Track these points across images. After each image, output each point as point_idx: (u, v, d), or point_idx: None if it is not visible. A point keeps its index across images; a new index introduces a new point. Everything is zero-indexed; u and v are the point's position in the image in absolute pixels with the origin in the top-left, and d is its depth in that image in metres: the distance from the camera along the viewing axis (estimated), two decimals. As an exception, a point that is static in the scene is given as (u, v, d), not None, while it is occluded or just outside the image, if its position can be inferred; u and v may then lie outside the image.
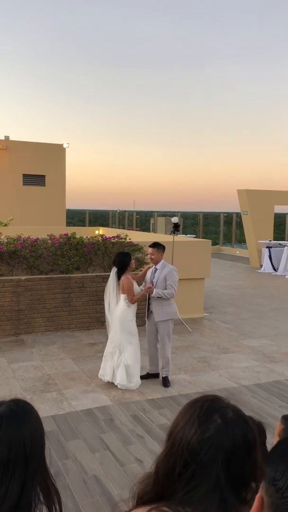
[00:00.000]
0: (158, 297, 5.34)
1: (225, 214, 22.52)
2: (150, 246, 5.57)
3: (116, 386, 5.30)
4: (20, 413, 1.24)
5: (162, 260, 5.54)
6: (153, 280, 5.44)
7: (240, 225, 19.47)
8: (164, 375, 5.50)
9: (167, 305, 5.45)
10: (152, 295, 5.33)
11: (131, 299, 5.28)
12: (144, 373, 5.56)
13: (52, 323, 7.47)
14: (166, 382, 5.45)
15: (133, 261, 5.51)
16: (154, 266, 5.52)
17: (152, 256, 5.49)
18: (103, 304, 7.70)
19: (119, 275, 5.38)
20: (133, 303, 5.33)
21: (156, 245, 5.52)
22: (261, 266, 15.65)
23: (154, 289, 5.31)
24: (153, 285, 5.37)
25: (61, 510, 1.28)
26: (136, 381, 5.36)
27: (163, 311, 5.44)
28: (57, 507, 1.27)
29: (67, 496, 3.31)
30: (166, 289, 5.37)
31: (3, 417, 1.22)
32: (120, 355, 5.31)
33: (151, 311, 5.50)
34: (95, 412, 4.71)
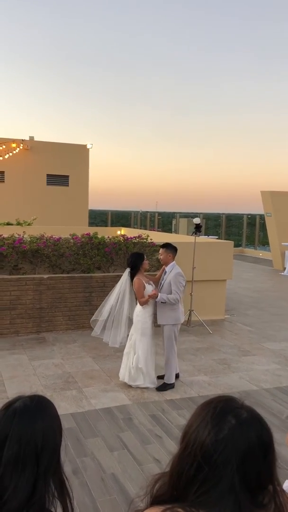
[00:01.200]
0: (162, 302, 5.26)
1: (248, 216, 22.30)
2: (160, 246, 5.61)
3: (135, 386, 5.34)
4: (33, 410, 1.24)
5: (173, 262, 5.42)
6: (161, 283, 5.41)
7: (263, 227, 19.24)
8: (164, 380, 5.40)
9: (171, 309, 5.31)
10: (157, 300, 5.27)
11: (139, 300, 5.27)
12: (162, 373, 5.54)
13: (73, 321, 7.54)
14: (162, 387, 5.31)
15: (146, 262, 5.44)
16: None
17: (160, 257, 5.51)
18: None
19: (132, 276, 5.38)
20: (141, 305, 5.29)
21: (165, 246, 5.51)
22: (284, 268, 15.43)
23: (159, 294, 5.25)
24: (160, 286, 5.40)
25: (73, 507, 1.28)
26: (150, 380, 5.35)
27: (166, 315, 5.34)
28: (71, 503, 1.27)
29: (85, 493, 3.34)
30: (171, 293, 5.26)
31: (16, 413, 1.22)
32: (134, 355, 5.33)
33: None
34: (114, 411, 4.73)
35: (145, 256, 5.50)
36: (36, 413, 1.23)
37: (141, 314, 5.32)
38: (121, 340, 5.51)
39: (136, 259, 5.42)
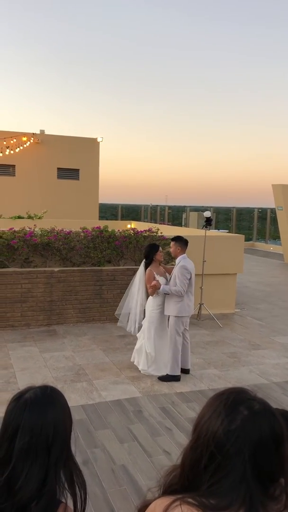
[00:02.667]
0: (165, 293, 5.37)
1: (259, 210, 22.14)
2: (171, 239, 5.73)
3: (148, 375, 5.48)
4: (44, 401, 1.24)
5: (182, 255, 5.43)
6: (171, 275, 5.51)
7: (274, 220, 19.09)
8: (165, 372, 5.44)
9: (175, 301, 5.35)
10: (159, 291, 5.37)
11: (148, 290, 5.47)
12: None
13: (83, 314, 7.58)
14: (164, 377, 5.37)
15: (159, 253, 5.53)
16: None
17: (171, 250, 5.64)
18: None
19: (146, 266, 5.55)
20: (151, 295, 5.49)
21: (174, 239, 5.56)
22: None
23: (162, 286, 5.34)
24: (168, 280, 5.48)
25: (86, 498, 1.28)
26: (157, 367, 5.45)
27: (170, 307, 5.41)
28: (82, 495, 1.27)
29: (95, 483, 3.38)
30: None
31: (27, 404, 1.23)
32: (142, 340, 5.55)
33: None
34: (124, 403, 4.76)
35: (159, 248, 5.58)
36: (47, 405, 1.24)
37: (150, 303, 5.55)
38: (134, 326, 5.73)
39: (150, 250, 5.55)
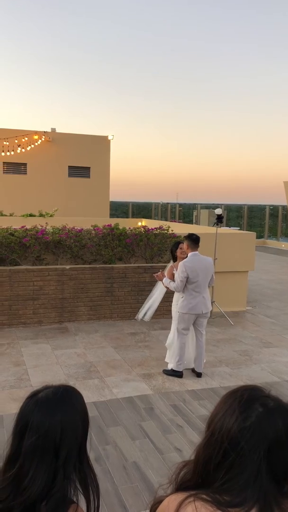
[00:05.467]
0: (166, 286, 5.58)
1: (271, 207, 21.99)
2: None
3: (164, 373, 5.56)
4: (54, 401, 1.23)
5: (191, 253, 5.42)
6: None
7: (286, 218, 18.95)
8: (169, 367, 5.54)
9: (180, 297, 5.43)
10: (163, 282, 5.60)
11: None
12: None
13: (94, 312, 7.61)
14: (167, 371, 5.50)
15: (179, 250, 5.65)
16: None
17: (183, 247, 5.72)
18: (145, 295, 7.81)
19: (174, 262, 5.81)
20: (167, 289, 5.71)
21: (185, 236, 5.60)
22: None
23: (164, 278, 5.53)
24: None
25: (99, 504, 1.27)
26: (173, 361, 5.49)
27: (177, 304, 5.50)
28: (95, 498, 1.26)
29: (107, 480, 3.39)
30: None
31: (37, 403, 1.23)
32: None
33: None
34: (136, 400, 4.77)
35: (179, 245, 5.69)
36: (56, 405, 1.23)
37: (173, 299, 5.73)
38: (141, 314, 6.03)
39: (172, 247, 5.85)
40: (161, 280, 5.59)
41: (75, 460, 1.22)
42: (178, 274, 5.32)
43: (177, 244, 5.77)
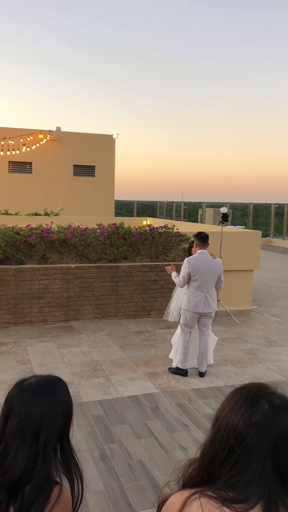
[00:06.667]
0: (174, 280, 5.63)
1: (276, 205, 21.92)
2: None
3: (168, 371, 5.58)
4: (37, 388, 1.31)
5: (198, 250, 5.41)
6: None
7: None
8: (173, 364, 5.55)
9: (184, 294, 5.51)
10: (171, 276, 5.67)
11: None
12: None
13: (100, 310, 7.62)
14: (171, 368, 5.51)
15: (193, 249, 5.63)
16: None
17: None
18: (150, 294, 7.82)
19: None
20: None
21: (195, 234, 5.59)
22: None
23: (173, 272, 5.61)
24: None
25: (83, 486, 1.34)
26: (177, 359, 5.50)
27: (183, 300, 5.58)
28: (78, 482, 1.34)
29: (113, 478, 3.40)
30: None
31: (21, 389, 1.32)
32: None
33: None
34: (141, 399, 4.77)
35: (193, 244, 5.71)
36: (38, 392, 1.31)
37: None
38: (170, 314, 6.12)
39: (189, 245, 6.05)
40: (170, 273, 5.67)
41: (55, 445, 1.30)
42: (181, 270, 5.36)
43: (193, 242, 5.81)
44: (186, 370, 5.43)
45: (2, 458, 1.25)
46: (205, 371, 5.46)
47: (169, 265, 6.12)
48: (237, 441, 1.01)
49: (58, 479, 1.28)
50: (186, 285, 5.43)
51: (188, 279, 5.33)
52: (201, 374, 5.42)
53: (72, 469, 1.33)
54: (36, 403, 1.28)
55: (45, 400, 1.30)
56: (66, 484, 1.31)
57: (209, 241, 5.52)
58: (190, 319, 5.39)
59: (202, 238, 5.42)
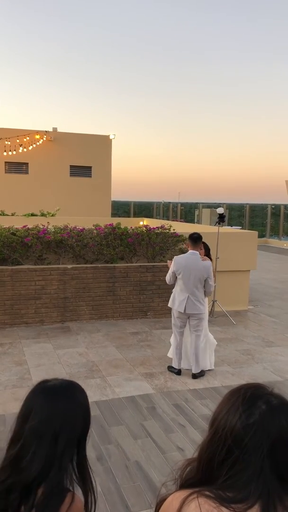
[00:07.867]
0: None
1: (272, 206, 21.96)
2: None
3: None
4: (59, 391, 1.30)
5: (190, 251, 5.43)
6: None
7: (288, 217, 18.93)
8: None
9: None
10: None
11: None
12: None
13: (96, 311, 7.61)
14: (169, 367, 5.57)
15: (201, 250, 5.68)
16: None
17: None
18: (147, 294, 7.82)
19: None
20: None
21: (189, 235, 5.61)
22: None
23: (170, 267, 5.61)
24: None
25: (96, 497, 1.31)
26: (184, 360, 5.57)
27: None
28: (92, 492, 1.31)
29: (109, 479, 3.39)
30: None
31: (44, 390, 1.29)
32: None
33: None
34: (138, 399, 4.77)
35: (201, 243, 5.74)
36: (61, 396, 1.28)
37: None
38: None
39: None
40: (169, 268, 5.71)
41: (73, 453, 1.27)
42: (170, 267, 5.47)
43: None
44: (178, 369, 5.46)
45: (19, 458, 1.23)
46: (199, 373, 5.37)
47: (160, 270, 6.20)
48: (235, 442, 1.01)
49: (70, 488, 1.26)
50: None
51: (176, 278, 5.39)
52: (193, 376, 5.36)
53: (88, 480, 1.31)
54: (58, 405, 1.26)
55: (67, 404, 1.28)
56: (77, 492, 1.29)
57: (207, 242, 5.53)
58: (176, 318, 5.43)
59: (194, 239, 5.42)
